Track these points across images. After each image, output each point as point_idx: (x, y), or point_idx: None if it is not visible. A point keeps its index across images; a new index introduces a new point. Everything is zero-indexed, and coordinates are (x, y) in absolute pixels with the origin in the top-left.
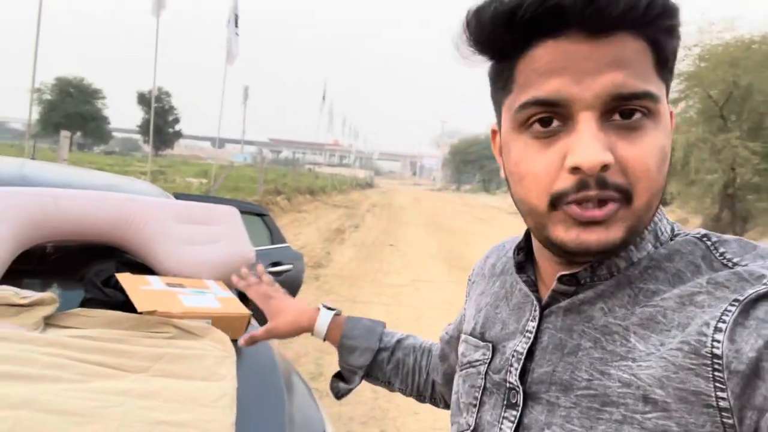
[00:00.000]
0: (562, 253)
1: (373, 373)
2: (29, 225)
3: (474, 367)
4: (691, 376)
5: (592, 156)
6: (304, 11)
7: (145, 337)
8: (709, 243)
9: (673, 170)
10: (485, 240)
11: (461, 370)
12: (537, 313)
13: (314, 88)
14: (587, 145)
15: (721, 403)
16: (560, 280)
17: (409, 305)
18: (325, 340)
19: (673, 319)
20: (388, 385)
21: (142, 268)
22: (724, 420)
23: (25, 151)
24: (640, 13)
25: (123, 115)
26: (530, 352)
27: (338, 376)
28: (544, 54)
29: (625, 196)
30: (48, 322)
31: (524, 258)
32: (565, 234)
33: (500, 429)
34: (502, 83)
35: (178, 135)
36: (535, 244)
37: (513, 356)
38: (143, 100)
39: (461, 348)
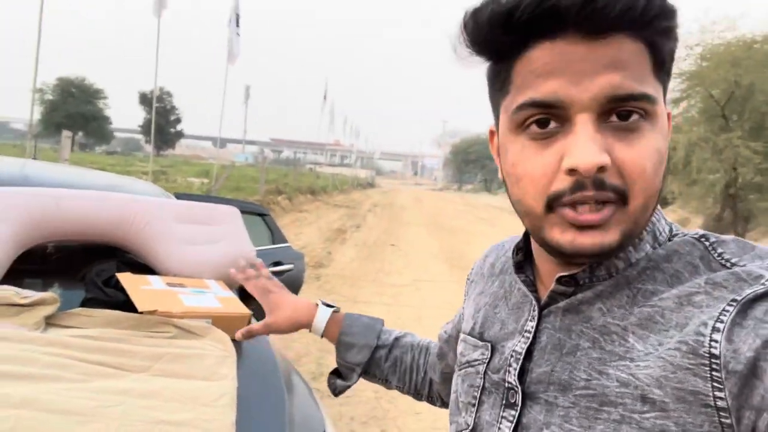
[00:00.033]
0: (558, 255)
1: (370, 370)
2: (30, 225)
3: (473, 366)
4: (689, 376)
5: (588, 158)
6: (305, 11)
7: (145, 337)
8: (707, 243)
9: (674, 170)
10: (487, 240)
11: (460, 370)
12: (536, 313)
13: (315, 88)
14: (584, 146)
15: (719, 403)
16: (559, 281)
17: (410, 305)
18: (322, 336)
19: (672, 319)
20: (386, 383)
21: (143, 268)
22: (722, 420)
23: (27, 151)
24: (637, 15)
25: (125, 115)
26: (529, 352)
27: (336, 373)
28: (541, 55)
29: (622, 198)
30: (49, 321)
31: (523, 258)
32: (561, 236)
33: (499, 428)
34: (499, 84)
35: (180, 135)
36: (534, 244)
37: (512, 356)
38: (145, 100)
39: (460, 347)
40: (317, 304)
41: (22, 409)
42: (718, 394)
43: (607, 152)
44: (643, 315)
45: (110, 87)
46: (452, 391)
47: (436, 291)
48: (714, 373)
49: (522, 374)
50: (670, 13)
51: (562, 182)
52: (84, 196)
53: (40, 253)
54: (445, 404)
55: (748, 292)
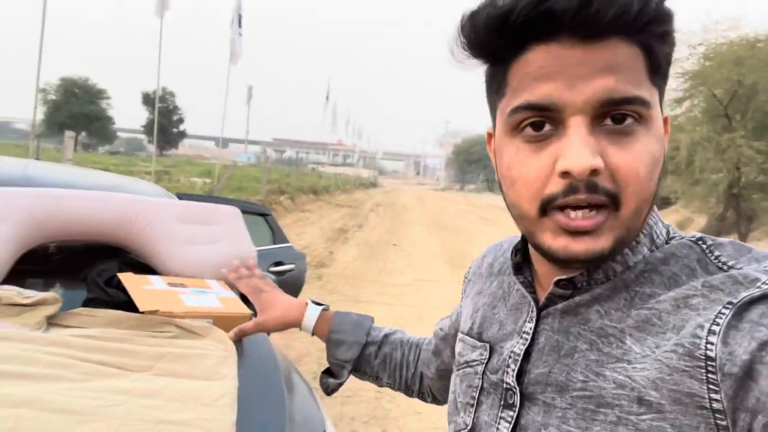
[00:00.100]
0: (552, 260)
1: (360, 367)
2: (32, 225)
3: (471, 367)
4: (685, 378)
5: (581, 161)
6: (307, 11)
7: (147, 337)
8: (704, 246)
9: (677, 169)
10: (489, 240)
11: (458, 370)
12: (534, 314)
13: (317, 88)
14: (577, 149)
15: (715, 405)
16: (557, 284)
17: (411, 305)
18: (313, 334)
19: (668, 322)
20: (376, 380)
21: (145, 268)
22: (718, 422)
23: (30, 151)
24: (631, 19)
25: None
26: (527, 353)
27: (328, 372)
28: (536, 58)
29: (614, 202)
30: (51, 321)
31: (521, 259)
32: (554, 242)
33: (497, 429)
34: (496, 87)
35: (183, 135)
36: (531, 246)
37: (510, 357)
38: (148, 100)
39: (458, 347)
40: (307, 303)
41: (23, 409)
42: (713, 396)
43: (601, 156)
44: (641, 317)
45: (113, 87)
46: (450, 391)
47: (437, 291)
48: (710, 375)
49: (520, 375)
50: (666, 18)
51: (556, 185)
52: (86, 197)
53: (42, 253)
54: (435, 400)
55: (744, 295)
